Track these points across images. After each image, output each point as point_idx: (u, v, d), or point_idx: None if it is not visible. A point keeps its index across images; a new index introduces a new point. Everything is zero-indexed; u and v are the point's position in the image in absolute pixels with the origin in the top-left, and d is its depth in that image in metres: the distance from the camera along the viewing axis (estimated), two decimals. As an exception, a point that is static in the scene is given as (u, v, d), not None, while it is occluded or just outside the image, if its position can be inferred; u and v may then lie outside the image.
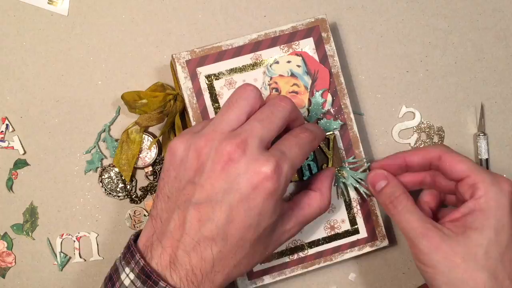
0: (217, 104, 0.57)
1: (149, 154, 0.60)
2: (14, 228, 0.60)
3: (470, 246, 0.48)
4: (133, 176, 0.60)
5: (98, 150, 0.60)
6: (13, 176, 0.59)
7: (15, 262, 0.60)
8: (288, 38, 0.57)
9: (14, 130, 0.59)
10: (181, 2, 0.61)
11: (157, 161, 0.60)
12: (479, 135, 0.62)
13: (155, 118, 0.57)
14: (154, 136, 0.60)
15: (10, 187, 0.59)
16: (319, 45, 0.58)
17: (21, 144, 0.59)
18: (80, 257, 0.60)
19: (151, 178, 0.60)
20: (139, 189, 0.60)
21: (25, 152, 0.59)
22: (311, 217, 0.52)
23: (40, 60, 0.60)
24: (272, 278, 0.58)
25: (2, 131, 0.59)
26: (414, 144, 0.63)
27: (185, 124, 0.59)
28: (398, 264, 0.63)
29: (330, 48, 0.58)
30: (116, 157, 0.59)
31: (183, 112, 0.59)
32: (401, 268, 0.63)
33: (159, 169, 0.60)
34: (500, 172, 0.63)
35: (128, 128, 0.58)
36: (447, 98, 0.63)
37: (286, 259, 0.58)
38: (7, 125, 0.59)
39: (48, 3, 0.59)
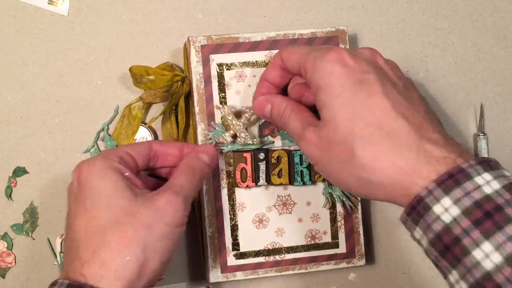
0: (223, 94, 0.57)
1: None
2: (14, 228, 0.60)
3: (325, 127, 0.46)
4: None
5: (97, 149, 0.60)
6: (12, 184, 0.59)
7: (15, 262, 0.60)
8: (306, 43, 0.57)
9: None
10: (181, 2, 0.61)
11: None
12: (479, 135, 0.62)
13: (160, 96, 0.57)
14: (154, 131, 0.60)
15: (9, 195, 0.59)
16: None
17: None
18: (80, 257, 0.60)
19: None
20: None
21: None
22: None
23: (40, 60, 0.60)
24: (244, 275, 0.57)
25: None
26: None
27: (188, 108, 0.59)
28: (398, 264, 0.63)
29: None
30: (115, 130, 0.59)
31: (188, 96, 0.59)
32: (400, 268, 0.63)
33: None
34: (501, 172, 0.63)
35: (131, 104, 0.58)
36: (447, 98, 0.63)
37: (262, 259, 0.58)
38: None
39: (48, 3, 0.59)
